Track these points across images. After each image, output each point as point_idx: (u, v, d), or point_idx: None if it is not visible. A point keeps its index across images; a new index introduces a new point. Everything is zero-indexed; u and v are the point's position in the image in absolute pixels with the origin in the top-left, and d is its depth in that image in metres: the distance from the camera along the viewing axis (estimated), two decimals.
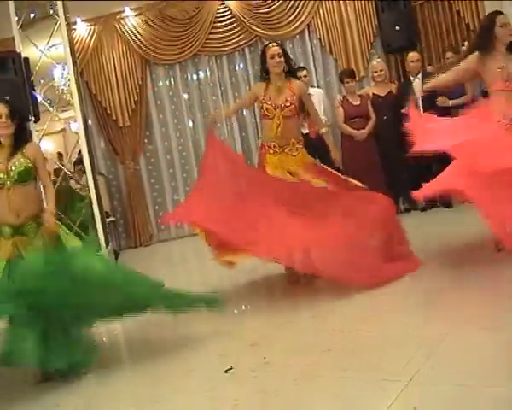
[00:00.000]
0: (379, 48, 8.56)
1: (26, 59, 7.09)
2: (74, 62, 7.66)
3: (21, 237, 3.71)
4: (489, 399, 2.29)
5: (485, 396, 2.30)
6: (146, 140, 9.46)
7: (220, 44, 9.18)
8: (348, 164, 7.41)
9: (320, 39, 9.02)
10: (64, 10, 7.34)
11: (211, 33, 9.11)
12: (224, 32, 9.15)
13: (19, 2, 7.13)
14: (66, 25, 7.43)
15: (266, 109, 4.76)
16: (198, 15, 9.09)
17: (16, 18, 7.17)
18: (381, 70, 7.39)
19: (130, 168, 9.32)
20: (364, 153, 7.19)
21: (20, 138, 3.88)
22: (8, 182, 3.70)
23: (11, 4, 7.09)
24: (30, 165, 3.77)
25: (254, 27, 9.03)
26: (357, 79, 7.95)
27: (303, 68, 7.73)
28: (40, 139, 7.20)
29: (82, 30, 9.11)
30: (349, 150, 7.34)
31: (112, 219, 9.15)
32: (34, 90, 7.22)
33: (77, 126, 7.59)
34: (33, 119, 7.12)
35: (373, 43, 8.76)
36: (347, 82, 7.40)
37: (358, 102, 7.33)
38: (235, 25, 9.12)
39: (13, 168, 3.72)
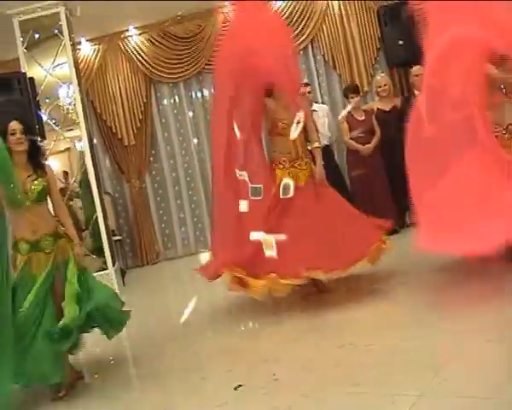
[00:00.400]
0: (382, 62, 8.62)
1: (32, 79, 7.16)
2: (79, 82, 7.75)
3: (37, 252, 3.77)
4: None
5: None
6: (151, 158, 9.50)
7: None
8: (353, 179, 7.47)
9: (324, 55, 9.12)
10: (69, 30, 7.42)
11: (215, 51, 9.13)
12: None
13: (24, 23, 7.18)
14: (71, 44, 7.52)
15: (282, 128, 4.82)
16: (202, 33, 9.17)
17: (21, 38, 7.24)
18: (384, 85, 7.44)
19: (136, 187, 9.36)
20: (369, 167, 7.21)
21: (36, 156, 3.93)
22: (27, 202, 3.75)
23: (16, 25, 7.17)
24: (45, 184, 3.84)
25: None
26: (361, 94, 7.95)
27: (307, 84, 7.80)
28: (46, 159, 7.25)
29: (87, 49, 9.19)
30: (354, 165, 7.39)
31: (118, 237, 9.17)
32: (40, 109, 7.30)
33: (82, 145, 7.65)
34: (39, 138, 7.16)
35: (376, 58, 8.86)
36: (352, 97, 7.42)
37: (363, 117, 7.36)
38: None
39: (32, 188, 3.77)
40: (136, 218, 9.44)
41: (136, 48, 9.26)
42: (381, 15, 8.20)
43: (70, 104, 7.68)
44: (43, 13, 7.21)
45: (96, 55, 9.26)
